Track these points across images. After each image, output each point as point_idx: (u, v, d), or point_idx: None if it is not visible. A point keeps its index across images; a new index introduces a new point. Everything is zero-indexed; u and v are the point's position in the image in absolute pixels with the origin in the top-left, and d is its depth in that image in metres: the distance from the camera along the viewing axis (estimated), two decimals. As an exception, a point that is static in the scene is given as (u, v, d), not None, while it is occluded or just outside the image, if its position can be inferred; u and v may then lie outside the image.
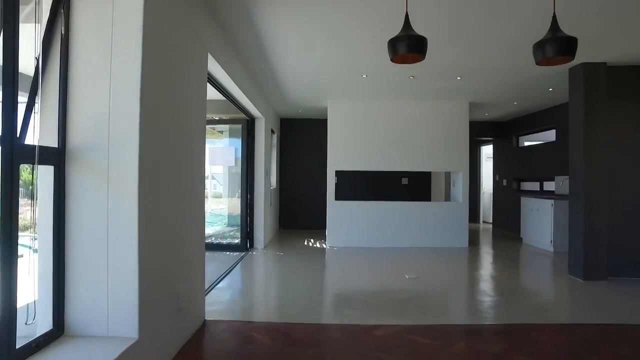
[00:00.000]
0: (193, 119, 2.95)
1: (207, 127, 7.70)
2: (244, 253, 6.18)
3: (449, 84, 5.72)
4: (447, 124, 6.96)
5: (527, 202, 7.29)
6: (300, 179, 9.01)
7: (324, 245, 6.96)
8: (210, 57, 3.39)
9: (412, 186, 8.71)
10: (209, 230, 9.04)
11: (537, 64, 2.56)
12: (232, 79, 4.24)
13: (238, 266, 5.35)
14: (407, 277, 4.72)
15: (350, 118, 6.98)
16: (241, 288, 4.49)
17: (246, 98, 5.20)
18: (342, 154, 6.97)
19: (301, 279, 4.79)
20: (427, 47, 2.53)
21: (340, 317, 3.47)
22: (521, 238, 7.51)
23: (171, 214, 2.52)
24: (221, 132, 8.05)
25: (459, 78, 5.37)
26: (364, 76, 5.35)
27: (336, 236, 6.92)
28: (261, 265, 5.65)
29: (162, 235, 2.37)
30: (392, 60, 2.62)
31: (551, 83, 5.61)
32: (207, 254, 6.33)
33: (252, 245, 6.58)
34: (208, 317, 3.29)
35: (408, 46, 2.48)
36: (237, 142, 6.72)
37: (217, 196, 11.84)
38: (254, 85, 5.76)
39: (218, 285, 4.33)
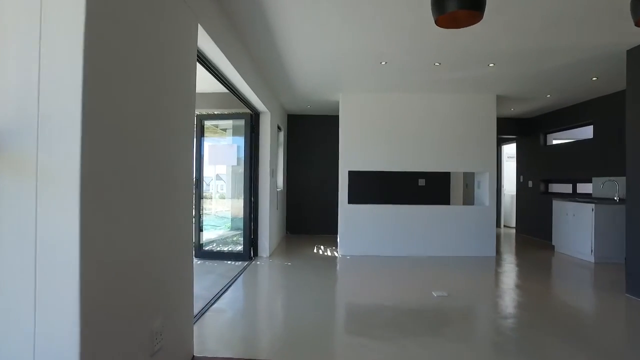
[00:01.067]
0: (178, 105, 2.32)
1: (209, 123, 7.15)
2: (247, 263, 5.55)
3: (478, 73, 5.04)
4: (473, 119, 6.27)
5: (560, 206, 6.57)
6: (309, 181, 8.37)
7: (336, 254, 6.30)
8: (201, 30, 2.75)
9: (429, 188, 8.02)
10: (211, 234, 8.44)
11: (636, 24, 1.89)
12: (230, 61, 3.61)
13: (240, 279, 4.71)
14: (434, 294, 4.05)
15: (364, 113, 6.32)
16: (242, 309, 3.85)
17: (248, 87, 4.56)
18: (355, 153, 6.31)
19: (312, 297, 4.13)
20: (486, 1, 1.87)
21: (359, 350, 2.81)
22: (553, 246, 6.79)
23: (140, 226, 1.88)
24: (224, 129, 7.45)
25: (491, 65, 4.69)
26: (383, 63, 4.69)
27: (349, 243, 6.26)
28: (266, 279, 5.01)
29: (124, 254, 1.73)
30: (436, 22, 1.97)
31: (598, 70, 4.90)
32: (206, 263, 5.79)
33: (256, 254, 5.95)
34: (198, 352, 2.65)
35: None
36: (241, 141, 6.10)
37: (223, 197, 11.25)
38: (258, 74, 5.14)
39: (215, 306, 3.69)
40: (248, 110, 5.71)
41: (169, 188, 2.22)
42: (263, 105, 5.55)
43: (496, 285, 4.75)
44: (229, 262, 5.64)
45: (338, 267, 5.56)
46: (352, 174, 6.36)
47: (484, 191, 6.45)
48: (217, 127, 7.84)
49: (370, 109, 6.32)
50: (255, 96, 5.03)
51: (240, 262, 5.59)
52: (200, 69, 3.96)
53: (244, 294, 4.33)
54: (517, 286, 4.60)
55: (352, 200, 6.36)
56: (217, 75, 3.95)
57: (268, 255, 6.00)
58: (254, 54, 4.52)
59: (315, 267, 5.42)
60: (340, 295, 4.36)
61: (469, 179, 8.70)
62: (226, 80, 4.25)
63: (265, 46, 4.25)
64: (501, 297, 4.25)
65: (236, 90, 4.69)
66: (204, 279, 4.71)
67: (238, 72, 3.97)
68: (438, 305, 3.76)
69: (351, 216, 6.28)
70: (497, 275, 5.19)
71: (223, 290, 4.19)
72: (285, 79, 5.52)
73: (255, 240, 5.94)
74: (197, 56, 3.37)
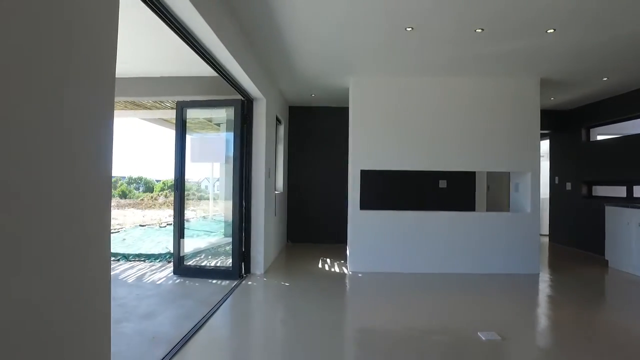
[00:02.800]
0: (79, 67, 1.28)
1: (200, 118, 6.14)
2: (236, 283, 4.50)
3: (530, 44, 3.96)
4: (511, 108, 5.18)
5: (615, 213, 5.46)
6: (314, 182, 7.31)
7: (345, 270, 5.24)
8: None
9: (452, 191, 6.93)
10: (200, 243, 7.44)
11: None
12: (211, 27, 2.60)
13: (222, 309, 3.66)
14: (482, 337, 2.97)
15: (378, 101, 5.26)
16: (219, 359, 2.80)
17: (235, 63, 3.53)
18: (369, 149, 5.25)
19: (314, 338, 3.08)
20: None
21: None
22: (606, 260, 5.67)
23: None
24: (218, 125, 6.42)
25: (550, 31, 3.60)
26: (409, 29, 3.62)
27: (360, 257, 5.19)
28: (257, 308, 3.96)
29: None
30: None
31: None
32: (185, 283, 4.48)
33: (248, 270, 4.90)
34: None
35: None
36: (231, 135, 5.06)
37: (215, 198, 10.26)
38: (250, 50, 4.11)
39: (182, 351, 2.65)
40: (239, 96, 4.67)
41: (56, 198, 1.18)
42: (257, 89, 4.51)
43: (563, 319, 3.63)
44: (214, 281, 4.60)
45: (348, 289, 4.50)
46: (363, 175, 5.30)
47: (523, 195, 5.35)
48: (210, 120, 6.87)
49: (387, 96, 5.25)
50: (247, 76, 4.00)
51: (227, 282, 4.55)
52: (175, 41, 2.96)
53: (226, 333, 3.29)
54: (592, 321, 3.49)
55: (365, 205, 5.29)
56: (195, 45, 2.93)
57: (263, 272, 4.96)
58: (245, 23, 3.49)
59: (319, 290, 4.36)
60: (352, 338, 3.30)
61: (494, 180, 7.60)
62: (207, 53, 3.23)
63: (259, 12, 3.21)
64: (580, 342, 3.15)
65: (220, 67, 3.66)
66: (177, 306, 3.68)
67: (222, 42, 2.97)
68: (491, 354, 2.69)
69: (363, 224, 5.22)
70: (555, 303, 4.09)
71: (197, 326, 3.14)
72: (284, 57, 4.48)
73: (247, 254, 4.90)
74: (167, 18, 2.38)
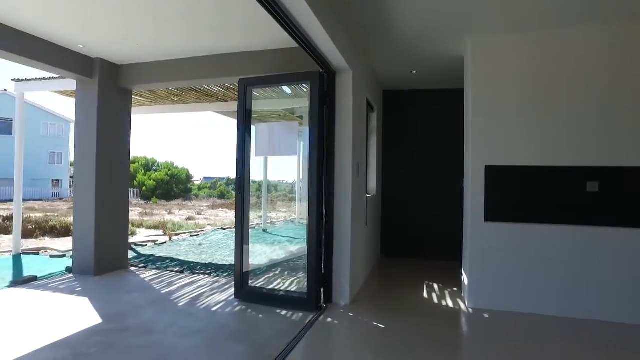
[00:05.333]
0: None
1: (279, 109, 5.13)
2: (311, 317, 3.32)
3: None
4: None
5: None
6: (415, 183, 5.88)
7: (461, 304, 3.76)
8: None
9: (607, 196, 4.93)
10: (277, 252, 6.49)
11: None
12: None
13: (286, 365, 2.50)
14: None
15: (509, 68, 3.67)
16: None
17: (312, 15, 2.36)
18: (495, 138, 3.70)
19: None
20: None
21: None
22: None
23: None
24: (301, 117, 5.36)
25: None
26: None
27: (484, 288, 3.66)
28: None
29: None
30: None
31: None
32: (247, 313, 3.32)
33: (329, 299, 3.69)
34: None
35: None
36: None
37: (302, 200, 9.38)
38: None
39: None
40: (318, 67, 3.50)
41: None
42: (341, 57, 3.29)
43: None
44: (284, 312, 3.47)
45: (468, 338, 3.05)
46: (490, 173, 3.75)
47: None
48: (292, 113, 5.90)
49: (521, 61, 3.64)
50: (326, 34, 2.79)
51: (300, 315, 3.39)
52: None
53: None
54: None
55: (491, 214, 3.74)
56: None
57: (348, 302, 3.70)
58: None
59: (427, 338, 2.97)
60: None
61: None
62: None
63: None
64: None
65: (293, 27, 2.53)
66: (226, 355, 2.60)
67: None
68: None
69: (489, 241, 3.68)
70: None
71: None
72: (377, 11, 3.19)
73: (328, 278, 3.69)
74: None
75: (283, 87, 5.26)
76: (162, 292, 4.01)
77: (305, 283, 3.57)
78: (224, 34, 3.69)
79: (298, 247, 6.68)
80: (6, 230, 8.52)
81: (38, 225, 8.56)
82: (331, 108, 3.71)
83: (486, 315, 3.48)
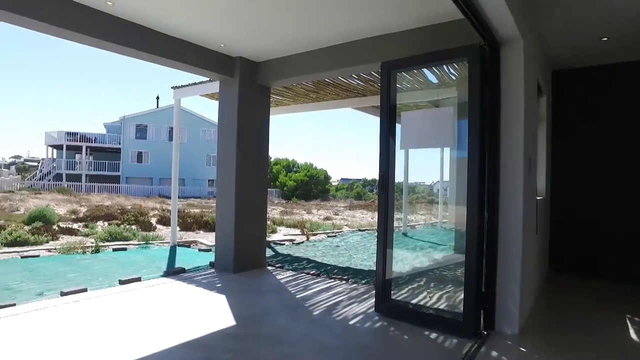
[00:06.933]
0: None
1: (412, 100, 4.54)
2: (468, 347, 2.70)
3: None
4: None
5: None
6: (598, 182, 4.65)
7: (694, 355, 2.65)
8: None
9: None
10: (419, 258, 5.88)
11: None
12: None
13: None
14: None
15: None
16: None
17: None
18: None
19: None
20: None
21: None
22: None
23: None
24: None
25: None
26: None
27: None
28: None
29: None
30: None
31: None
32: (387, 330, 2.87)
33: (490, 325, 2.99)
34: None
35: None
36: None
37: (445, 202, 8.52)
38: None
39: None
40: (476, 40, 2.85)
41: None
42: (512, 20, 2.58)
43: None
44: (433, 334, 2.91)
45: None
46: None
47: None
48: (437, 105, 5.30)
49: None
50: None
51: (455, 342, 2.79)
52: None
53: None
54: None
55: None
56: None
57: (517, 331, 2.94)
58: None
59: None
60: None
61: None
62: None
63: None
64: None
65: None
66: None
67: None
68: None
69: None
70: None
71: None
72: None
73: (491, 298, 2.99)
74: None
75: (428, 76, 4.69)
76: (297, 296, 3.84)
77: (456, 300, 2.96)
78: (359, 12, 3.32)
79: (443, 254, 5.97)
80: (168, 223, 9.77)
81: (195, 220, 9.58)
82: (495, 91, 3.01)
83: None
